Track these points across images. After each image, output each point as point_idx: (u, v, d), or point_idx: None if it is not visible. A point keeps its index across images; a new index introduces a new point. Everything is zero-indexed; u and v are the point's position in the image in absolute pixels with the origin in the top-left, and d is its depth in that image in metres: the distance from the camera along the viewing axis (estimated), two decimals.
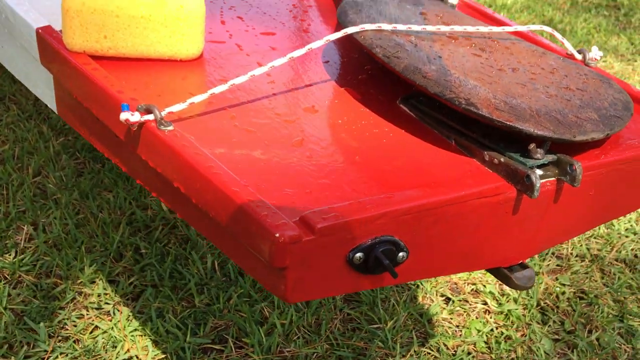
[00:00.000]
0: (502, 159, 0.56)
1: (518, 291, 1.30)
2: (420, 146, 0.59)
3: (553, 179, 0.57)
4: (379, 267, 0.48)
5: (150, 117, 0.56)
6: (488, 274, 1.39)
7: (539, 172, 0.56)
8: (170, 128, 0.56)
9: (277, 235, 0.43)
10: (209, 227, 0.55)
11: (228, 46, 0.78)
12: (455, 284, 1.40)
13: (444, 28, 0.70)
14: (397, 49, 0.60)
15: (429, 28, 0.67)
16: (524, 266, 0.59)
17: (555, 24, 2.67)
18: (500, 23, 0.91)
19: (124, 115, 0.55)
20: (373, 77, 0.73)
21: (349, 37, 0.65)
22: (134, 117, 0.56)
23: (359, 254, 0.48)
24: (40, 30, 0.75)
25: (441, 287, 1.38)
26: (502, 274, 0.59)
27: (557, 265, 1.45)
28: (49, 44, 0.72)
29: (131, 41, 0.70)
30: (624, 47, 2.56)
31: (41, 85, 0.85)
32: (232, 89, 0.61)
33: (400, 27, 0.65)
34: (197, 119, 0.59)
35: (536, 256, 1.46)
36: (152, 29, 0.69)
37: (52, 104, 0.84)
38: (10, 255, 1.33)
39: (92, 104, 0.65)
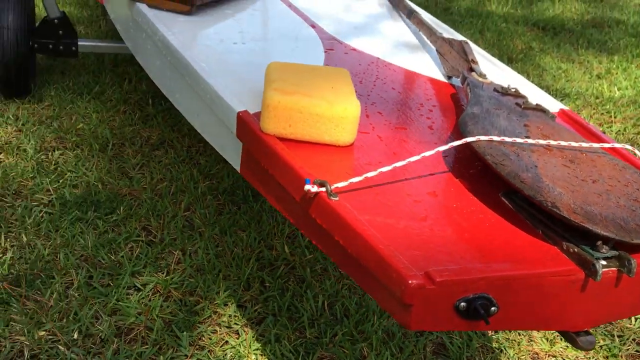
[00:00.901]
0: (576, 249, 0.76)
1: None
2: (515, 232, 0.80)
3: (614, 269, 0.76)
4: (477, 315, 0.69)
5: (323, 189, 0.81)
6: (569, 349, 1.53)
7: (602, 262, 0.75)
8: (336, 199, 0.80)
9: (410, 282, 0.66)
10: (355, 270, 0.78)
11: (371, 136, 1.04)
12: (537, 354, 1.55)
13: (542, 141, 0.91)
14: (503, 158, 0.82)
15: (530, 141, 0.89)
16: (587, 333, 0.78)
17: None
18: (591, 134, 1.11)
19: (307, 187, 0.81)
20: (481, 172, 0.95)
21: (466, 143, 0.88)
22: (313, 189, 0.81)
23: (463, 304, 0.69)
24: (240, 114, 1.04)
25: (523, 355, 1.53)
26: (569, 337, 0.78)
27: (636, 351, 1.57)
28: (247, 125, 1.01)
29: (307, 130, 0.96)
30: None
31: (229, 149, 1.14)
32: (378, 173, 0.86)
33: (507, 139, 0.87)
34: (353, 193, 0.83)
35: (616, 339, 1.58)
36: (322, 123, 0.96)
37: (235, 164, 1.13)
38: (162, 273, 1.63)
39: (277, 172, 0.92)
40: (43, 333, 1.41)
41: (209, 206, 1.89)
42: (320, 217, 0.81)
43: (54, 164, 1.97)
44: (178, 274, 1.63)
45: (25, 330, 1.40)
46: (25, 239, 1.67)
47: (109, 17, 2.29)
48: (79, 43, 2.28)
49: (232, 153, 1.13)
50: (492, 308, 0.70)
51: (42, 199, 1.82)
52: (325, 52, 1.45)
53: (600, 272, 0.72)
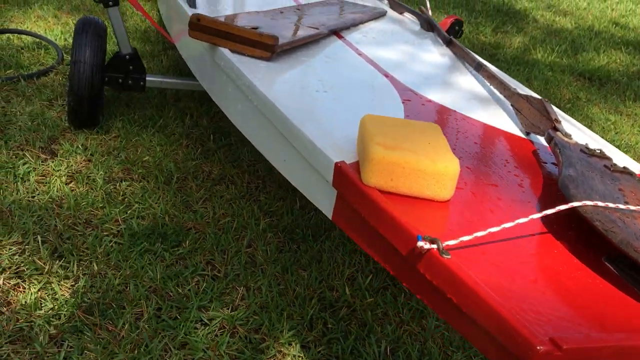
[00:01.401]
0: None
1: None
2: (625, 298, 0.82)
3: None
4: None
5: (434, 246, 0.84)
6: None
7: None
8: (449, 257, 0.83)
9: (539, 348, 0.68)
10: (464, 324, 0.80)
11: (466, 192, 1.07)
12: None
13: (636, 208, 0.94)
14: (612, 225, 0.85)
15: (632, 207, 0.91)
16: None
17: None
18: None
19: (419, 244, 0.84)
20: (580, 234, 0.97)
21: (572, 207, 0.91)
22: (426, 245, 0.84)
23: None
24: (338, 164, 1.08)
25: None
26: None
27: None
28: (347, 176, 1.05)
29: (408, 185, 1.00)
30: None
31: (320, 195, 1.18)
32: (487, 233, 0.88)
33: (611, 205, 0.90)
34: (463, 251, 0.86)
35: None
36: (424, 178, 0.99)
37: (326, 211, 1.16)
38: (228, 309, 1.66)
39: (380, 225, 0.95)
40: None
41: (270, 243, 1.92)
42: (431, 274, 0.84)
43: (122, 195, 2.03)
44: (243, 310, 1.66)
45: None
46: (96, 268, 1.72)
47: (179, 54, 2.37)
48: (147, 78, 2.37)
49: (322, 199, 1.16)
50: None
51: (112, 228, 1.88)
52: (403, 102, 1.49)
53: None
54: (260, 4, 2.34)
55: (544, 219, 0.99)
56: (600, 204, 0.90)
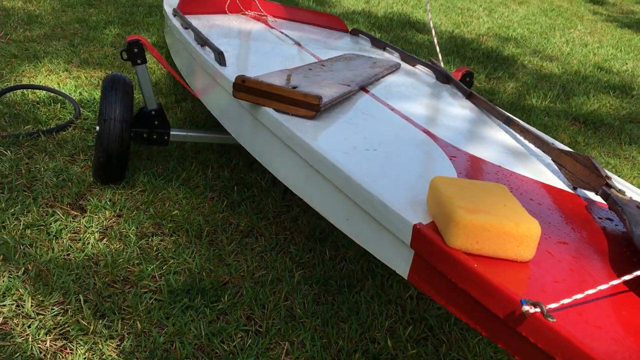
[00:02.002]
0: None
1: None
2: None
3: None
4: None
5: (538, 310, 0.88)
6: None
7: None
8: (554, 320, 0.87)
9: None
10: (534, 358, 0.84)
11: (541, 252, 1.11)
12: None
13: None
14: None
15: None
16: None
17: None
18: None
19: (525, 308, 0.88)
20: None
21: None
22: (532, 310, 0.88)
23: None
24: (417, 226, 1.12)
25: None
26: None
27: None
28: (428, 238, 1.09)
29: (493, 247, 1.04)
30: None
31: (394, 255, 1.21)
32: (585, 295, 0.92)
33: None
34: (564, 313, 0.90)
35: None
36: (508, 241, 1.04)
37: (402, 270, 1.20)
38: None
39: (473, 288, 0.99)
40: None
41: (307, 296, 1.94)
42: (535, 337, 0.88)
43: (155, 250, 2.04)
44: None
45: None
46: (139, 326, 1.72)
47: (193, 106, 2.41)
48: (171, 132, 2.40)
49: (396, 259, 1.20)
50: None
51: (150, 285, 1.88)
52: (450, 159, 1.54)
53: None
54: (283, 60, 2.41)
55: (621, 274, 1.04)
56: None
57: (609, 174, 1.50)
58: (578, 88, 4.60)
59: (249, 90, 1.71)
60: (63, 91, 3.03)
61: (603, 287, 0.92)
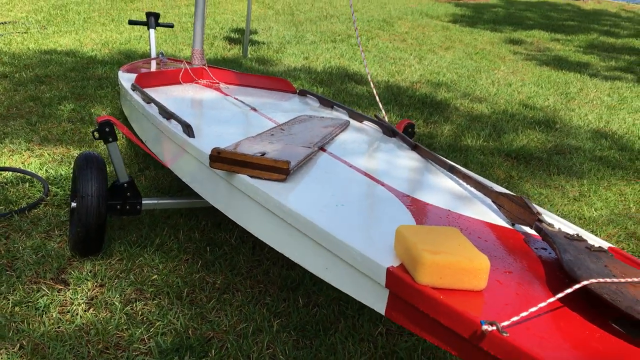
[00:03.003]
0: None
1: None
2: (629, 349, 1.10)
3: None
4: None
5: (494, 327, 1.10)
6: None
7: None
8: (507, 334, 1.09)
9: None
10: None
11: (492, 281, 1.35)
12: None
13: (630, 279, 1.24)
14: (616, 295, 1.14)
15: (622, 280, 1.22)
16: None
17: (638, 236, 3.19)
18: (638, 264, 1.45)
19: (484, 327, 1.10)
20: (586, 303, 1.27)
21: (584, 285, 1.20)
22: (490, 328, 1.10)
23: None
24: (390, 269, 1.34)
25: None
26: None
27: None
28: (400, 279, 1.30)
29: (453, 281, 1.27)
30: None
31: (371, 296, 1.42)
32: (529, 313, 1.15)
33: (608, 280, 1.20)
34: (515, 328, 1.13)
35: None
36: (465, 275, 1.27)
37: (378, 308, 1.40)
38: None
39: (441, 316, 1.20)
40: None
41: (286, 342, 2.11)
42: (494, 350, 1.10)
43: (141, 314, 2.17)
44: None
45: None
46: None
47: (157, 174, 2.58)
48: (143, 202, 2.56)
49: (373, 298, 1.41)
50: None
51: (140, 348, 2.01)
52: (407, 208, 1.78)
53: None
54: (245, 127, 2.63)
55: (559, 295, 1.28)
56: (602, 280, 1.20)
57: (540, 209, 1.77)
58: (507, 126, 5.01)
59: (224, 160, 1.91)
60: (29, 170, 3.14)
61: (542, 304, 1.15)
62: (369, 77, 3.20)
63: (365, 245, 1.45)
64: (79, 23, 7.52)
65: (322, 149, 2.35)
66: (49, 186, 3.02)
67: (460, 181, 2.11)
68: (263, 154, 1.99)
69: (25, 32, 6.68)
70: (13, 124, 3.83)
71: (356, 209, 1.73)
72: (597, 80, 7.25)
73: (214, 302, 2.29)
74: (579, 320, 1.20)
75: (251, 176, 1.89)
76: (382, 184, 2.00)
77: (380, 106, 3.04)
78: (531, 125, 5.11)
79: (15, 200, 2.88)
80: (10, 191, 2.95)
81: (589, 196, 3.71)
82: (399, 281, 1.31)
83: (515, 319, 1.13)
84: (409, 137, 2.85)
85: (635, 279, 1.27)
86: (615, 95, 6.55)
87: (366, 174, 2.09)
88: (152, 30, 4.67)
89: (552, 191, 3.75)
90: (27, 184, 3.03)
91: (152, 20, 4.66)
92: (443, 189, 2.03)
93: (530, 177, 3.95)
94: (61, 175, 3.16)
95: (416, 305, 1.27)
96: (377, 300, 1.40)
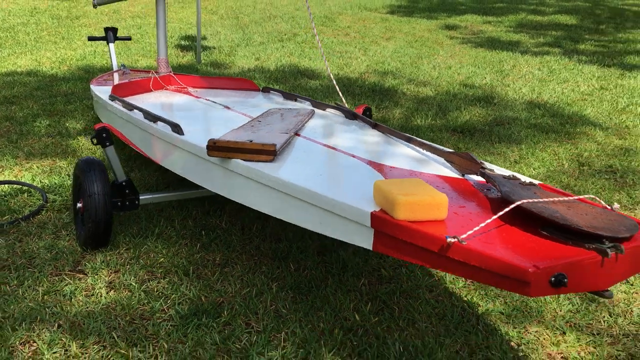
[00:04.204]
0: (593, 246, 1.47)
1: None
2: (558, 245, 1.51)
3: (613, 252, 1.47)
4: (559, 284, 1.38)
5: (456, 239, 1.50)
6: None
7: (608, 249, 1.47)
8: (465, 243, 1.49)
9: (530, 270, 1.34)
10: (481, 276, 1.45)
11: (450, 213, 1.75)
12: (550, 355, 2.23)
13: (551, 199, 1.67)
14: (542, 209, 1.55)
15: (547, 199, 1.64)
16: (607, 290, 1.48)
17: (572, 187, 3.69)
18: (563, 194, 1.88)
19: (449, 240, 1.49)
20: (521, 218, 1.68)
21: (522, 203, 1.61)
22: (452, 240, 1.49)
23: (552, 279, 1.37)
24: (374, 213, 1.72)
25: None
26: (599, 294, 1.47)
27: None
28: (382, 218, 1.69)
29: (422, 214, 1.66)
30: (625, 200, 3.56)
31: (359, 236, 1.79)
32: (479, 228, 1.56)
33: (536, 200, 1.62)
34: (470, 238, 1.53)
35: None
36: (430, 209, 1.66)
37: (367, 245, 1.78)
38: (277, 350, 2.19)
39: (417, 240, 1.60)
40: None
41: (286, 299, 2.48)
42: (457, 256, 1.50)
43: (156, 291, 2.50)
44: (290, 347, 2.19)
45: None
46: (166, 346, 2.18)
47: (168, 168, 2.90)
48: (140, 197, 2.88)
49: (362, 239, 1.79)
50: (565, 280, 1.39)
51: (163, 316, 2.35)
52: (377, 171, 2.18)
53: (610, 253, 1.44)
54: (224, 122, 2.98)
55: (503, 216, 1.69)
56: (532, 200, 1.62)
57: (482, 161, 2.19)
58: (451, 105, 5.48)
59: (220, 148, 2.26)
60: (25, 181, 3.40)
61: (489, 221, 1.56)
62: (328, 69, 3.58)
63: (350, 199, 1.84)
64: (31, 43, 7.64)
65: (297, 134, 2.72)
66: (49, 193, 3.29)
67: (417, 148, 2.52)
68: (251, 141, 2.35)
69: None
70: None
71: (335, 175, 2.12)
72: (528, 56, 7.85)
73: (218, 275, 2.63)
74: (516, 231, 1.62)
75: (244, 160, 2.25)
76: (353, 156, 2.38)
77: (340, 94, 3.43)
78: (472, 102, 5.60)
79: (19, 209, 3.14)
80: (11, 202, 3.21)
81: (527, 158, 4.20)
82: (381, 220, 1.70)
83: (469, 232, 1.54)
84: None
85: (556, 199, 1.69)
86: (545, 68, 7.14)
87: (337, 149, 2.47)
88: (111, 45, 4.91)
89: (495, 157, 4.22)
90: (25, 195, 3.30)
91: (111, 34, 4.90)
92: (404, 155, 2.44)
93: (476, 147, 4.42)
94: (55, 183, 3.43)
95: (397, 236, 1.66)
96: (365, 239, 1.79)
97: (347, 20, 10.62)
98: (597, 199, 1.81)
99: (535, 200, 1.66)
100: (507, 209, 1.61)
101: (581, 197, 1.79)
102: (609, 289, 1.52)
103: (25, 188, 3.35)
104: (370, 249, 1.78)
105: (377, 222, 1.72)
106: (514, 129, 4.84)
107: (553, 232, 1.57)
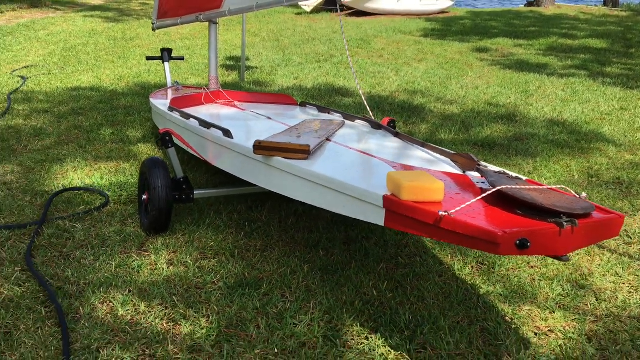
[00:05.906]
0: (553, 220, 1.88)
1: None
2: (530, 221, 1.93)
3: (569, 225, 1.89)
4: (523, 247, 1.80)
5: (446, 213, 1.94)
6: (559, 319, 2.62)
7: (565, 223, 1.88)
8: (454, 216, 1.92)
9: (499, 234, 1.77)
10: (463, 240, 1.89)
11: (447, 197, 2.19)
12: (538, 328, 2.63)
13: (528, 186, 2.10)
14: (522, 194, 1.98)
15: (524, 187, 2.07)
16: (565, 256, 1.89)
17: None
18: (540, 185, 2.31)
19: (441, 213, 1.93)
20: (502, 202, 2.11)
21: (505, 189, 2.05)
22: (444, 214, 1.92)
23: (517, 241, 1.79)
24: (385, 195, 2.18)
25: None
26: (558, 258, 1.88)
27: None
28: (392, 200, 2.14)
29: (423, 196, 2.11)
30: (627, 207, 3.91)
31: (372, 215, 2.25)
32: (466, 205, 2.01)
33: (517, 187, 2.04)
34: (457, 213, 1.97)
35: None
36: (429, 192, 2.10)
37: (379, 222, 2.24)
38: (308, 315, 2.64)
39: (419, 216, 2.04)
40: None
41: (315, 277, 2.94)
42: (447, 226, 1.94)
43: (208, 267, 2.99)
44: (317, 313, 2.64)
45: None
46: (216, 308, 2.66)
47: (220, 168, 3.41)
48: (195, 192, 3.38)
49: (375, 217, 2.24)
50: (528, 244, 1.82)
51: (213, 287, 2.83)
52: (394, 167, 2.64)
53: (566, 226, 1.86)
54: (267, 129, 3.48)
55: (487, 197, 2.11)
56: (514, 187, 2.05)
57: (479, 160, 2.63)
58: (474, 121, 5.90)
59: (264, 148, 2.76)
60: (93, 184, 3.96)
61: (473, 200, 2.00)
62: (357, 86, 4.06)
63: (368, 186, 2.30)
64: (91, 62, 8.38)
65: (328, 139, 3.20)
66: (115, 189, 3.84)
67: (429, 151, 2.97)
68: (289, 143, 2.84)
69: (48, 74, 7.51)
70: (67, 148, 4.65)
71: (357, 170, 2.58)
72: (554, 78, 8.20)
73: (258, 257, 3.11)
74: (496, 210, 2.05)
75: (284, 158, 2.73)
76: (375, 157, 2.85)
77: (367, 107, 3.91)
78: (495, 120, 6.00)
79: (89, 202, 3.70)
80: (83, 198, 3.77)
81: (541, 169, 4.58)
82: (391, 201, 2.16)
83: (457, 209, 1.98)
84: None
85: (531, 187, 2.13)
86: (569, 89, 7.48)
87: (363, 152, 2.94)
88: (166, 64, 5.49)
89: (511, 168, 4.62)
90: (90, 193, 3.86)
91: (166, 54, 5.49)
92: (417, 157, 2.89)
93: (494, 159, 4.82)
94: (120, 181, 3.98)
95: (403, 213, 2.12)
96: (377, 218, 2.24)
97: (381, 42, 11.14)
98: (568, 188, 2.23)
99: (513, 187, 2.09)
100: (489, 192, 2.05)
101: (553, 187, 2.21)
102: (567, 254, 1.94)
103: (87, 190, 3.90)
104: (382, 224, 2.23)
105: (388, 203, 2.17)
106: (532, 143, 5.22)
107: (526, 211, 2.00)
